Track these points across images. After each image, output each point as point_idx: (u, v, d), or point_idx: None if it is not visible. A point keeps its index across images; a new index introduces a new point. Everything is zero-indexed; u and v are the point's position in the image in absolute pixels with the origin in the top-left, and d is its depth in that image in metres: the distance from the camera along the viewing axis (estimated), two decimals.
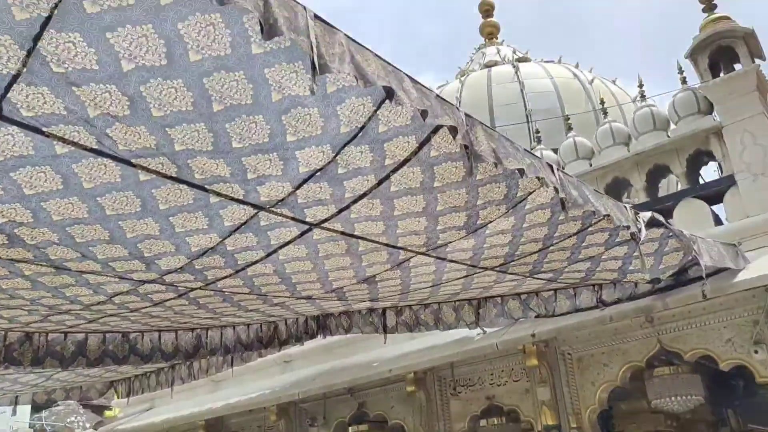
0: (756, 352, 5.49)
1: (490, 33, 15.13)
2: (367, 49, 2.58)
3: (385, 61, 2.64)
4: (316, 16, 2.35)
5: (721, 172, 6.29)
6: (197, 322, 6.21)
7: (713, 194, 6.24)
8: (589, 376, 6.41)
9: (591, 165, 7.03)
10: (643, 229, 4.12)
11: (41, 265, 3.59)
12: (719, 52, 6.39)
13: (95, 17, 2.16)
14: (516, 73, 11.64)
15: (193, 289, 4.27)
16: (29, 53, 2.22)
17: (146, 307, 4.66)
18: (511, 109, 11.04)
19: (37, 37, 2.18)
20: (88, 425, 15.29)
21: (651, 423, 7.93)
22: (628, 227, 3.87)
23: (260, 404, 8.28)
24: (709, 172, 6.88)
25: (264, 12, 2.10)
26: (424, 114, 2.64)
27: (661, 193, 7.10)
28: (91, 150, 2.70)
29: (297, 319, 7.31)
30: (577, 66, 12.26)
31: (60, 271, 3.64)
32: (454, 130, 2.81)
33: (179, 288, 4.19)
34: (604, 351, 6.39)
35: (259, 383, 9.15)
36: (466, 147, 2.88)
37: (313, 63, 2.21)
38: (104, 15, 2.16)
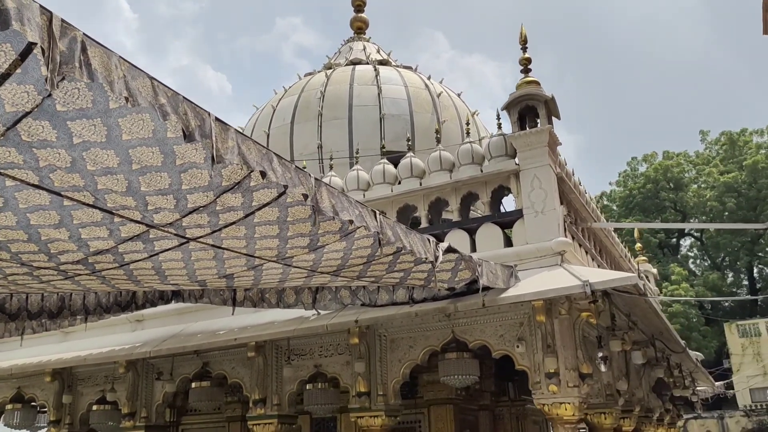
0: (518, 346, 7.29)
1: (359, 28, 16.29)
2: (249, 138, 3.74)
3: (260, 145, 3.80)
4: (216, 119, 3.47)
5: (516, 205, 8.01)
6: (66, 289, 6.98)
7: (507, 222, 7.97)
8: (397, 354, 7.97)
9: (421, 184, 8.54)
10: (440, 257, 5.60)
11: None
12: (527, 108, 8.07)
13: (62, 113, 3.13)
14: (376, 76, 12.96)
15: (79, 274, 5.18)
16: (8, 129, 3.14)
17: (31, 282, 5.48)
18: (369, 110, 12.37)
19: (17, 121, 3.10)
20: None
21: (445, 392, 9.83)
22: (426, 259, 5.31)
23: (111, 359, 9.11)
24: (509, 203, 8.63)
25: (185, 122, 3.22)
26: (285, 187, 3.86)
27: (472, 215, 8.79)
28: (32, 185, 3.63)
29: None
30: (429, 78, 13.80)
31: None
32: (305, 196, 4.03)
33: (68, 273, 5.09)
34: (411, 335, 7.97)
35: (109, 338, 9.92)
36: (312, 206, 4.13)
37: (213, 157, 3.36)
38: (69, 112, 3.13)
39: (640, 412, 11.06)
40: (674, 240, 45.22)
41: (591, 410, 8.93)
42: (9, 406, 10.35)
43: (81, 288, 6.25)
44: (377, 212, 4.90)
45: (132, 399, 9.54)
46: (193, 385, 9.22)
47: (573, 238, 8.05)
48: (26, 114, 3.09)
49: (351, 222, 4.47)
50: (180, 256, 4.97)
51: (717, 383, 19.96)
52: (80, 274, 5.20)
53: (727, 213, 37.51)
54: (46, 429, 10.45)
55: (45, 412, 10.71)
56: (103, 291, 7.38)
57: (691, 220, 41.06)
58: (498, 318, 7.46)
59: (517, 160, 7.98)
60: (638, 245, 16.60)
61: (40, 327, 9.20)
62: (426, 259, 5.40)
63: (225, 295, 8.27)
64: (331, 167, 10.31)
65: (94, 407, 9.83)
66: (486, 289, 6.49)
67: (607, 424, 9.19)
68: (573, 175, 9.08)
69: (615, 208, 43.65)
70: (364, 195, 8.96)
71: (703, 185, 41.75)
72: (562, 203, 7.84)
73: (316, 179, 4.22)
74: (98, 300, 7.94)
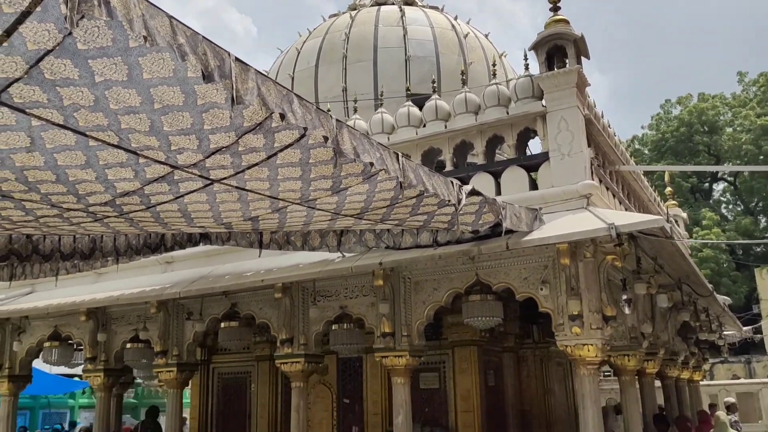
0: (542, 288, 7.31)
1: None
2: (270, 79, 3.72)
3: (281, 86, 3.78)
4: (236, 59, 3.45)
5: (542, 148, 7.90)
6: (96, 231, 7.13)
7: (532, 165, 7.88)
8: (421, 296, 8.05)
9: (446, 127, 8.45)
10: (463, 200, 5.58)
11: None
12: (555, 48, 7.86)
13: (83, 51, 3.13)
14: (402, 17, 12.70)
15: (108, 216, 5.28)
16: (31, 67, 3.16)
17: (61, 224, 5.60)
18: (394, 52, 12.18)
19: (40, 59, 3.12)
20: None
21: (470, 333, 9.97)
22: (450, 201, 5.30)
23: (143, 299, 9.36)
24: (535, 145, 8.52)
25: (204, 62, 3.21)
26: (305, 129, 3.84)
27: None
28: (57, 124, 3.67)
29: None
30: (456, 18, 13.48)
31: (3, 199, 4.57)
32: (326, 138, 4.02)
33: (97, 215, 5.19)
34: (435, 278, 8.01)
35: (140, 279, 10.18)
36: (333, 148, 4.12)
37: (233, 98, 3.36)
38: (89, 51, 3.13)
39: (665, 355, 11.09)
40: (707, 185, 44.41)
41: (614, 352, 8.97)
42: (47, 344, 10.77)
43: (110, 230, 6.38)
44: (399, 155, 4.87)
45: (164, 338, 9.84)
46: (222, 325, 9.47)
47: (600, 181, 7.95)
48: (48, 52, 3.09)
49: (372, 164, 4.45)
50: (205, 198, 5.02)
51: (745, 328, 19.88)
52: (109, 216, 5.30)
53: (762, 156, 36.58)
54: (82, 365, 10.87)
55: (81, 349, 11.13)
56: (132, 233, 7.53)
57: (725, 164, 40.11)
58: (522, 261, 7.45)
59: (544, 101, 7.83)
60: (669, 189, 16.35)
61: (74, 268, 9.46)
62: (449, 201, 5.39)
63: (251, 237, 8.38)
64: (355, 110, 10.25)
65: (128, 345, 10.18)
66: (510, 232, 6.47)
67: (631, 366, 9.24)
68: (602, 117, 8.90)
69: (647, 152, 42.82)
70: (388, 138, 8.91)
71: (738, 128, 40.65)
72: (589, 146, 7.71)
73: (337, 121, 4.19)
74: (128, 242, 8.11)
